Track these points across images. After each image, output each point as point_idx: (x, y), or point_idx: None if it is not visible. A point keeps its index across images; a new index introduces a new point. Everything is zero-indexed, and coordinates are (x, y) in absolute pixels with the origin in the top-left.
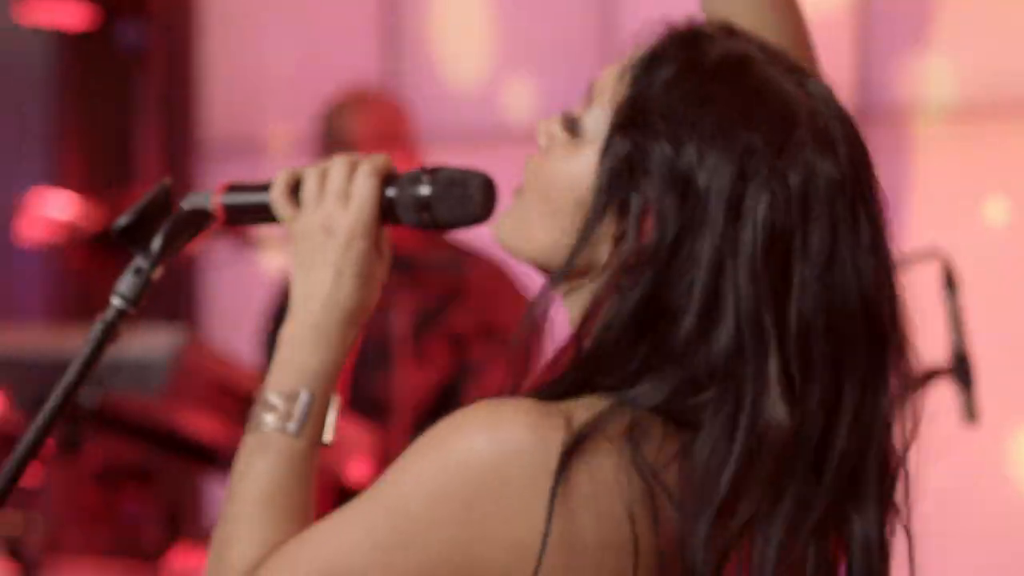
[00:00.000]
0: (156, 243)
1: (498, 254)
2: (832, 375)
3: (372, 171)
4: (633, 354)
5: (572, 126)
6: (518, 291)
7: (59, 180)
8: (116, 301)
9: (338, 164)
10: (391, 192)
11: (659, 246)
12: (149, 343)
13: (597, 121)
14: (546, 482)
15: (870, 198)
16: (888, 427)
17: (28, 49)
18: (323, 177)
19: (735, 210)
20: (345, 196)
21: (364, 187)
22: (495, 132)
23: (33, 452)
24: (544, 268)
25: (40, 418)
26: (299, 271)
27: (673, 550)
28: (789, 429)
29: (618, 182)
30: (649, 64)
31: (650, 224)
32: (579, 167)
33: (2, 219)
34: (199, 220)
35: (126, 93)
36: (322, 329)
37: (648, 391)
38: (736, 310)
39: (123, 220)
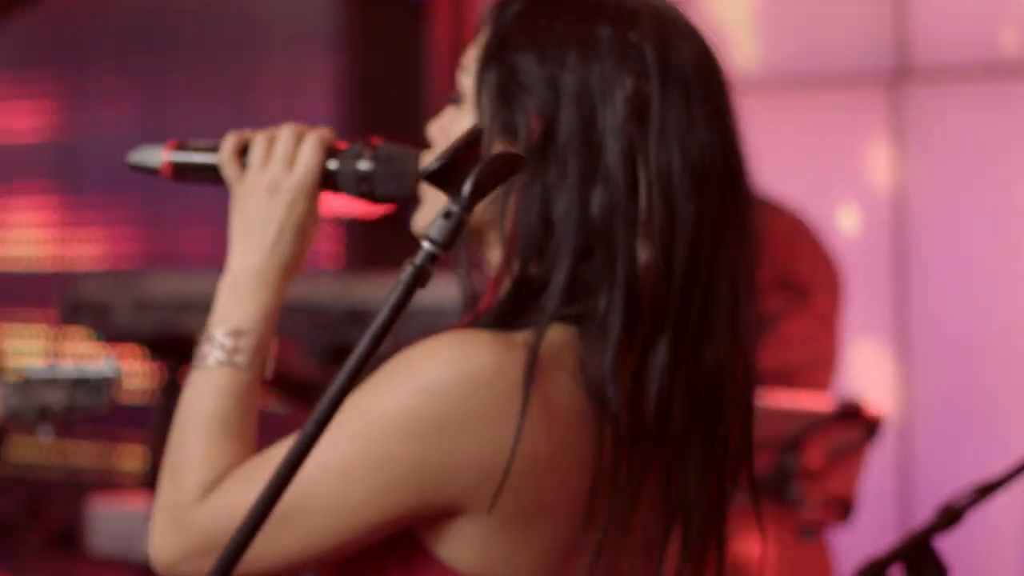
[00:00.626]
0: (466, 187)
1: (794, 206)
2: (694, 225)
3: (317, 141)
4: (549, 257)
5: (454, 100)
6: (815, 242)
7: (345, 135)
8: (427, 245)
9: (286, 132)
10: (333, 164)
11: (547, 144)
12: (441, 290)
13: (467, 83)
14: (510, 406)
15: (716, 78)
16: (740, 277)
17: (314, 3)
18: (270, 143)
19: (603, 92)
20: (291, 161)
21: (309, 155)
22: None
23: (345, 391)
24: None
25: (350, 363)
26: (241, 226)
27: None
28: (658, 269)
29: (499, 107)
30: (499, 7)
31: (537, 131)
32: (464, 124)
33: None
34: (511, 164)
35: (411, 44)
36: (263, 276)
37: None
38: (606, 171)
39: (434, 164)
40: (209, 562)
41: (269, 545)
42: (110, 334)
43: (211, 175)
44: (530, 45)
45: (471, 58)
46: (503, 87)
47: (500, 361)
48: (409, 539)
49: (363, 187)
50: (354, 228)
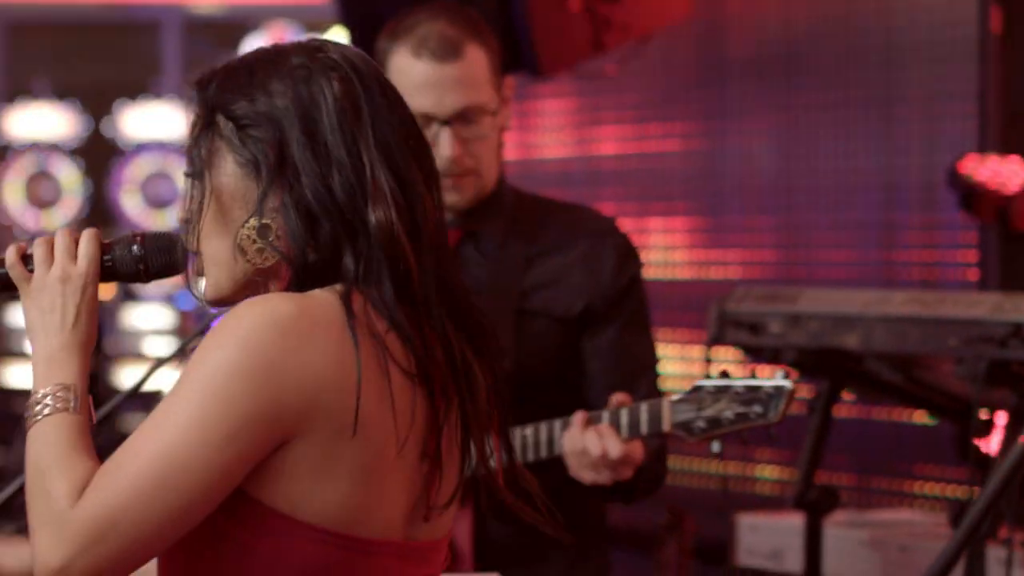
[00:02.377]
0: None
1: None
2: (423, 183)
3: (93, 236)
4: (314, 242)
5: (190, 174)
6: None
7: (984, 144)
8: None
9: (60, 233)
10: (108, 257)
11: (284, 161)
12: None
13: (196, 155)
14: (316, 341)
15: (389, 87)
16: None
17: (960, 17)
18: (49, 244)
19: (313, 101)
20: (73, 255)
21: (89, 247)
22: None
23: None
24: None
25: None
26: (39, 315)
27: None
28: (393, 223)
29: (236, 154)
30: (200, 88)
31: (272, 155)
32: (201, 192)
33: (928, 183)
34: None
35: None
36: (70, 350)
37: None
38: (338, 162)
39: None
40: (99, 552)
41: (153, 511)
42: (760, 351)
43: (2, 283)
44: (239, 96)
45: (192, 137)
46: (232, 138)
47: (301, 306)
48: (236, 491)
49: (140, 267)
50: (988, 245)
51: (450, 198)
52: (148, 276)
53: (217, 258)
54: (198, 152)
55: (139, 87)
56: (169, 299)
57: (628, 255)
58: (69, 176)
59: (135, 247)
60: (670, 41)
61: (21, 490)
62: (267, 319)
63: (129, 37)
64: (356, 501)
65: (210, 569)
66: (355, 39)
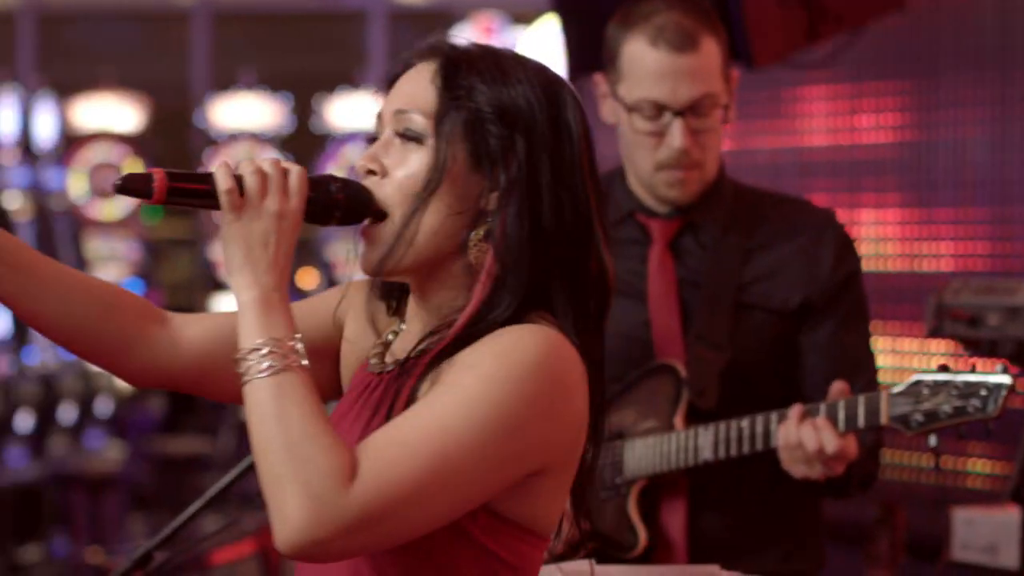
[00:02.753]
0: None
1: None
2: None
3: (303, 172)
4: (531, 262)
5: (411, 136)
6: None
7: None
8: None
9: (270, 164)
10: (311, 196)
11: (524, 170)
12: None
13: (419, 128)
14: (577, 379)
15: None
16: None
17: None
18: (262, 174)
19: (564, 125)
20: (286, 191)
21: (300, 185)
22: None
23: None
24: (420, 267)
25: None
26: (247, 248)
27: None
28: (608, 274)
29: (486, 153)
30: (450, 78)
31: (513, 167)
32: (422, 159)
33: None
34: None
35: None
36: (281, 292)
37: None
38: (572, 190)
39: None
40: (360, 538)
41: (421, 512)
42: (977, 343)
43: (203, 201)
44: (495, 91)
45: (414, 103)
46: (475, 128)
47: (573, 352)
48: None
49: (336, 213)
50: None
51: (672, 192)
52: (339, 221)
53: (418, 232)
54: (440, 123)
55: (344, 77)
56: None
57: (847, 249)
58: None
59: (334, 190)
60: (883, 31)
61: (237, 479)
62: (559, 358)
63: (335, 27)
64: (560, 512)
65: (439, 567)
66: (567, 28)
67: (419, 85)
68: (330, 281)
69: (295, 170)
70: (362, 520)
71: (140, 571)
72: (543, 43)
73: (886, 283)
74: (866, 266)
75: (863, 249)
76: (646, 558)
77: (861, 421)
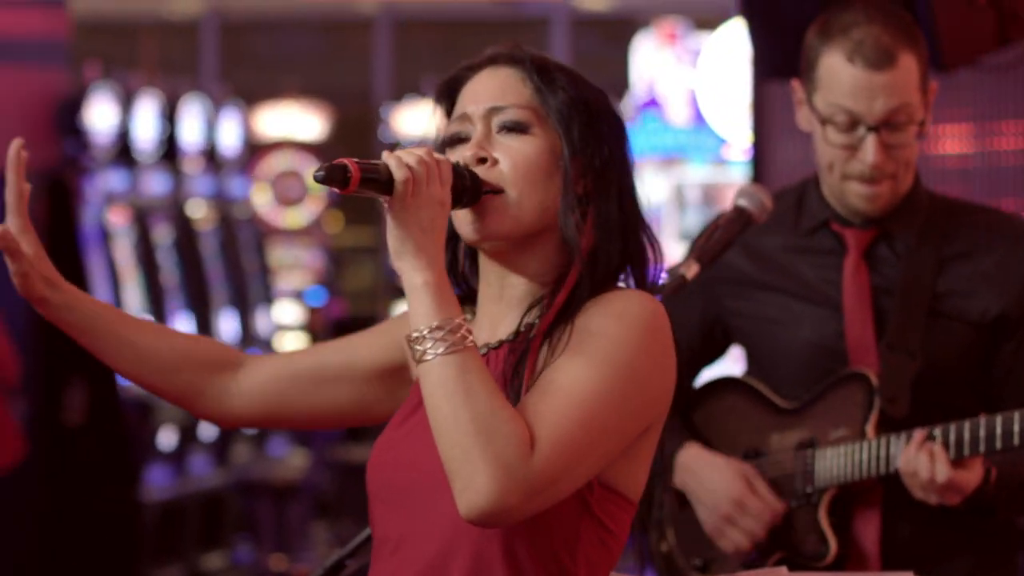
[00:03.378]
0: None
1: None
2: None
3: (448, 161)
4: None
5: (516, 127)
6: None
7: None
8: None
9: (429, 153)
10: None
11: (610, 158)
12: None
13: (524, 119)
14: (670, 333)
15: None
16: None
17: None
18: (425, 163)
19: (622, 125)
20: (443, 180)
21: (449, 173)
22: None
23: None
24: (523, 237)
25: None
26: (421, 234)
27: None
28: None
29: (581, 142)
30: (545, 77)
31: (601, 146)
32: (534, 147)
33: None
34: None
35: None
36: (443, 275)
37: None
38: (631, 183)
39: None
40: (542, 498)
41: (583, 468)
42: None
43: (383, 188)
44: (576, 97)
45: (508, 98)
46: (576, 129)
47: (658, 303)
48: None
49: (464, 198)
50: None
51: (862, 205)
52: (464, 205)
53: (529, 206)
54: (542, 114)
55: None
56: (299, 295)
57: None
58: None
59: (466, 177)
60: None
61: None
62: (662, 315)
63: (518, 34)
64: (645, 478)
65: (564, 540)
66: (755, 34)
67: (510, 84)
68: None
69: (446, 161)
70: (544, 483)
71: None
72: (727, 48)
73: None
74: None
75: None
76: (837, 568)
77: (999, 443)
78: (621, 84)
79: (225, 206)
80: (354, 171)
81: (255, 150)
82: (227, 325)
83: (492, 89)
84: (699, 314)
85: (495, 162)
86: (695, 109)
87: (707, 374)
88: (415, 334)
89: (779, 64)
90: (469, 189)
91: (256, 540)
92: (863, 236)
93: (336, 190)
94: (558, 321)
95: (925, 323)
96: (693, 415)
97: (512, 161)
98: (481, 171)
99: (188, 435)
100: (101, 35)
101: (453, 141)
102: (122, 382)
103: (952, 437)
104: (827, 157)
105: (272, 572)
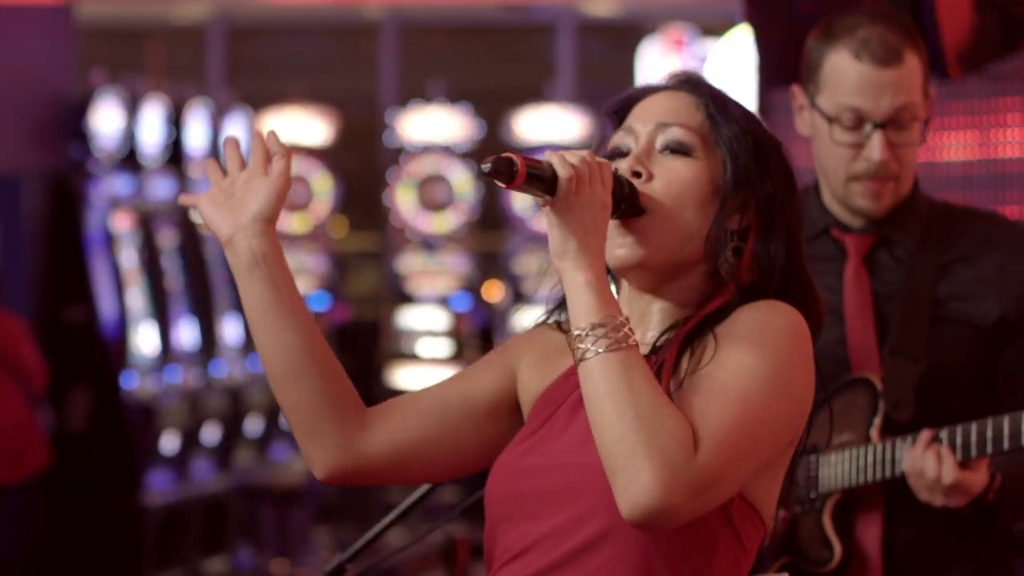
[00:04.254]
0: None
1: None
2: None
3: (609, 164)
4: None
5: (679, 148)
6: None
7: None
8: None
9: (589, 155)
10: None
11: (777, 197)
12: None
13: (689, 141)
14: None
15: None
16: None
17: None
18: (590, 165)
19: (789, 169)
20: (605, 183)
21: (609, 176)
22: None
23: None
24: (670, 266)
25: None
26: (584, 233)
27: None
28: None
29: (745, 175)
30: (719, 106)
31: (766, 185)
32: (700, 171)
33: None
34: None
35: None
36: (604, 275)
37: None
38: (794, 222)
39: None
40: (705, 497)
41: (743, 469)
42: None
43: (546, 187)
44: (748, 133)
45: (678, 117)
46: (748, 165)
47: (800, 316)
48: None
49: (621, 206)
50: None
51: (866, 204)
52: (621, 215)
53: (683, 233)
54: (710, 141)
55: (533, 90)
56: (444, 301)
57: None
58: (462, 179)
59: (625, 184)
60: None
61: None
62: (804, 327)
63: (524, 40)
64: (777, 499)
65: (704, 551)
66: (761, 41)
67: (682, 106)
68: (516, 294)
69: (605, 162)
70: (707, 483)
71: None
72: (733, 55)
73: None
74: None
75: None
76: (841, 572)
77: (1006, 443)
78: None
79: None
80: (521, 166)
81: None
82: (231, 330)
83: (664, 108)
84: None
85: (651, 177)
86: None
87: None
88: (577, 332)
89: (785, 71)
90: (628, 198)
91: (258, 545)
92: (863, 242)
93: (501, 184)
94: (699, 330)
95: (927, 327)
96: None
97: (667, 181)
98: (636, 184)
99: (190, 439)
100: (108, 40)
101: (613, 154)
102: (125, 386)
103: (959, 438)
104: (832, 158)
105: None
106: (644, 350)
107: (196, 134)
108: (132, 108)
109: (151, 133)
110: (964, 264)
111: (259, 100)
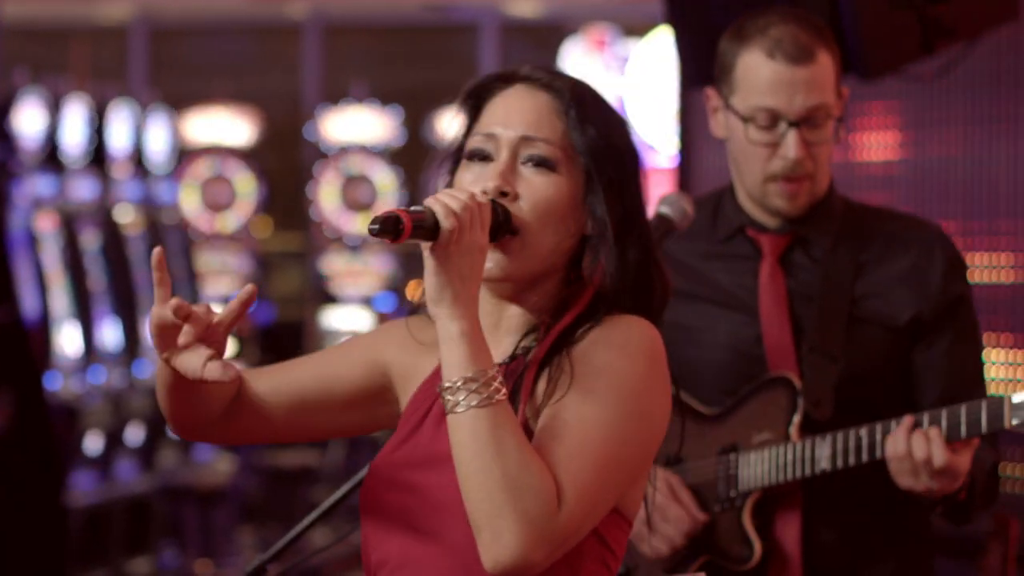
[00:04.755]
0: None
1: None
2: None
3: (488, 204)
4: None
5: (542, 163)
6: None
7: None
8: None
9: (471, 197)
10: None
11: (630, 203)
12: None
13: (552, 157)
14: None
15: None
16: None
17: None
18: (471, 210)
19: (633, 145)
20: (484, 225)
21: (488, 216)
22: None
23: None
24: (534, 276)
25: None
26: (461, 281)
27: None
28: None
29: (605, 184)
30: (581, 114)
31: (622, 191)
32: (561, 187)
33: None
34: None
35: None
36: (478, 324)
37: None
38: (639, 206)
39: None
40: (566, 546)
41: (600, 510)
42: None
43: (429, 234)
44: (602, 124)
45: (542, 130)
46: (607, 171)
47: (652, 327)
48: None
49: (496, 236)
50: None
51: (783, 204)
52: (491, 240)
53: (545, 248)
54: (571, 155)
55: (456, 90)
56: (368, 301)
57: (956, 266)
58: (385, 179)
59: (500, 216)
60: (998, 42)
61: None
62: (657, 340)
63: (447, 40)
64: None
65: (568, 561)
66: (681, 42)
67: (545, 114)
68: None
69: (485, 203)
70: (568, 535)
71: None
72: (656, 56)
73: (999, 295)
74: (979, 277)
75: (976, 261)
76: (761, 571)
77: (984, 426)
78: None
79: (153, 211)
80: (407, 222)
81: (184, 155)
82: None
83: (526, 115)
84: None
85: (516, 197)
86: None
87: None
88: (447, 384)
89: (705, 72)
90: (503, 224)
91: (182, 545)
92: (778, 241)
93: (387, 241)
94: (556, 348)
95: (845, 327)
96: None
97: (533, 201)
98: (503, 204)
99: (114, 440)
100: (30, 39)
101: (474, 155)
102: (48, 387)
103: (944, 422)
104: (748, 159)
105: None
106: (500, 357)
107: (119, 134)
108: (55, 108)
109: (74, 133)
110: (879, 264)
111: (182, 100)
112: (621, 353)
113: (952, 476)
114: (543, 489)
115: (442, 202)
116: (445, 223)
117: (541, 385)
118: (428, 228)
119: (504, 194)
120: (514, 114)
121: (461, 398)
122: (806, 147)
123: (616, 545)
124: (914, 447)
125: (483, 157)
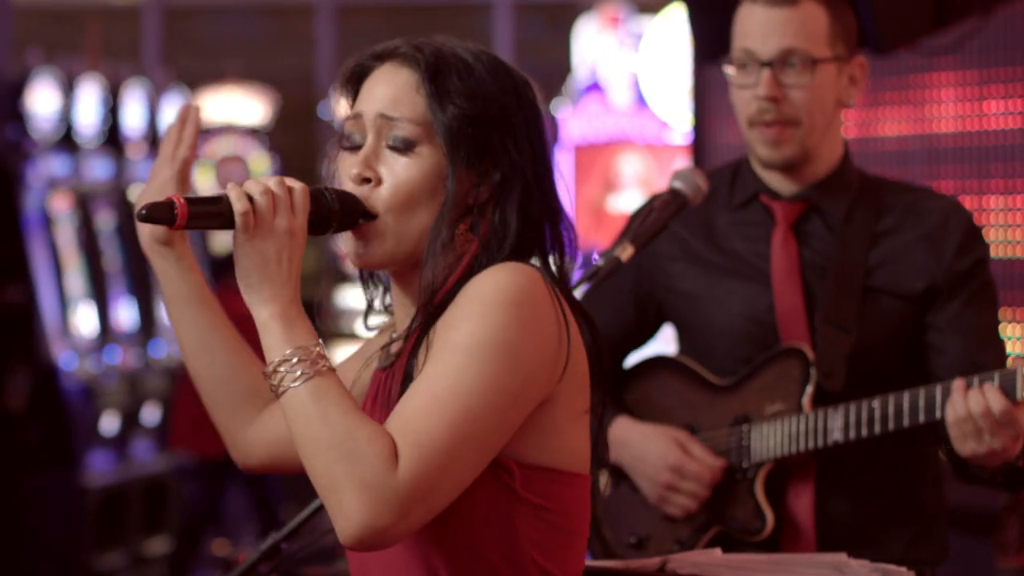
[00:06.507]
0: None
1: None
2: None
3: (306, 190)
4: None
5: (403, 146)
6: None
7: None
8: None
9: (277, 183)
10: (312, 208)
11: (509, 169)
12: None
13: (412, 136)
14: (551, 308)
15: None
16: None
17: None
18: (271, 193)
19: (530, 115)
20: (294, 209)
21: (305, 201)
22: None
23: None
24: (408, 259)
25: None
26: (263, 265)
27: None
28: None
29: (472, 157)
30: (439, 88)
31: (499, 158)
32: (424, 167)
33: None
34: None
35: None
36: (298, 305)
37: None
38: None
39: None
40: (418, 512)
41: (462, 471)
42: None
43: (219, 222)
44: (468, 90)
45: (401, 110)
46: (475, 139)
47: (532, 275)
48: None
49: (333, 223)
50: None
51: (765, 152)
52: (336, 230)
53: (413, 231)
54: (432, 131)
55: None
56: None
57: (973, 235)
58: None
59: (331, 200)
60: (1012, 15)
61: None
62: (528, 283)
63: (461, 18)
64: (583, 444)
65: (502, 534)
66: (695, 19)
67: (402, 92)
68: None
69: (299, 187)
70: (415, 496)
71: (268, 563)
72: (670, 33)
73: (1015, 270)
74: (994, 253)
75: (991, 236)
76: (773, 541)
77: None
78: (563, 68)
79: None
80: (181, 208)
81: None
82: None
83: (387, 93)
84: (632, 293)
85: (379, 181)
86: (637, 93)
87: (638, 355)
88: (268, 368)
89: (718, 48)
90: (337, 213)
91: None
92: (792, 209)
93: (165, 227)
94: (429, 322)
95: (859, 297)
96: (626, 396)
97: (396, 184)
98: (364, 191)
99: (130, 420)
100: (44, 20)
101: (346, 145)
102: (64, 367)
103: (997, 381)
104: (736, 107)
105: (214, 556)
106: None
107: (133, 114)
108: (69, 88)
109: (88, 114)
110: (893, 235)
111: (196, 80)
112: (471, 304)
113: (1014, 429)
114: (374, 452)
115: (239, 189)
116: (238, 206)
117: (421, 356)
118: (224, 215)
119: (367, 180)
120: (377, 92)
121: (281, 379)
122: (780, 89)
123: (553, 502)
124: (972, 403)
125: (352, 142)
